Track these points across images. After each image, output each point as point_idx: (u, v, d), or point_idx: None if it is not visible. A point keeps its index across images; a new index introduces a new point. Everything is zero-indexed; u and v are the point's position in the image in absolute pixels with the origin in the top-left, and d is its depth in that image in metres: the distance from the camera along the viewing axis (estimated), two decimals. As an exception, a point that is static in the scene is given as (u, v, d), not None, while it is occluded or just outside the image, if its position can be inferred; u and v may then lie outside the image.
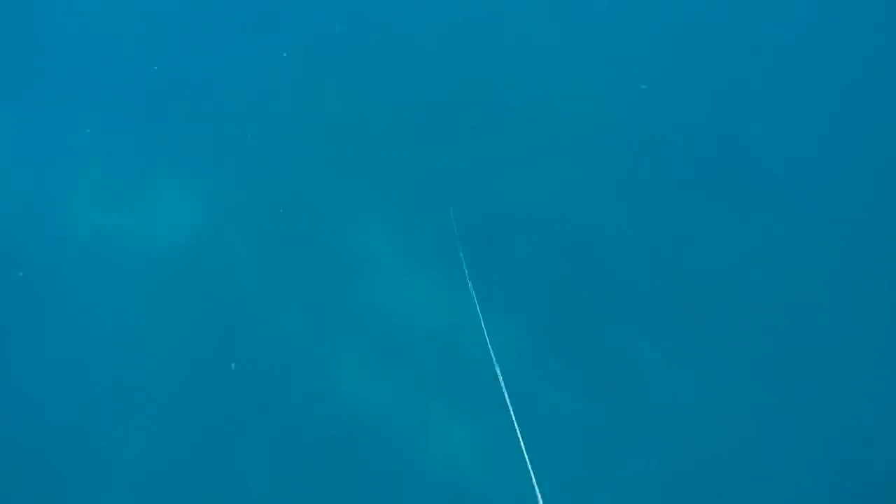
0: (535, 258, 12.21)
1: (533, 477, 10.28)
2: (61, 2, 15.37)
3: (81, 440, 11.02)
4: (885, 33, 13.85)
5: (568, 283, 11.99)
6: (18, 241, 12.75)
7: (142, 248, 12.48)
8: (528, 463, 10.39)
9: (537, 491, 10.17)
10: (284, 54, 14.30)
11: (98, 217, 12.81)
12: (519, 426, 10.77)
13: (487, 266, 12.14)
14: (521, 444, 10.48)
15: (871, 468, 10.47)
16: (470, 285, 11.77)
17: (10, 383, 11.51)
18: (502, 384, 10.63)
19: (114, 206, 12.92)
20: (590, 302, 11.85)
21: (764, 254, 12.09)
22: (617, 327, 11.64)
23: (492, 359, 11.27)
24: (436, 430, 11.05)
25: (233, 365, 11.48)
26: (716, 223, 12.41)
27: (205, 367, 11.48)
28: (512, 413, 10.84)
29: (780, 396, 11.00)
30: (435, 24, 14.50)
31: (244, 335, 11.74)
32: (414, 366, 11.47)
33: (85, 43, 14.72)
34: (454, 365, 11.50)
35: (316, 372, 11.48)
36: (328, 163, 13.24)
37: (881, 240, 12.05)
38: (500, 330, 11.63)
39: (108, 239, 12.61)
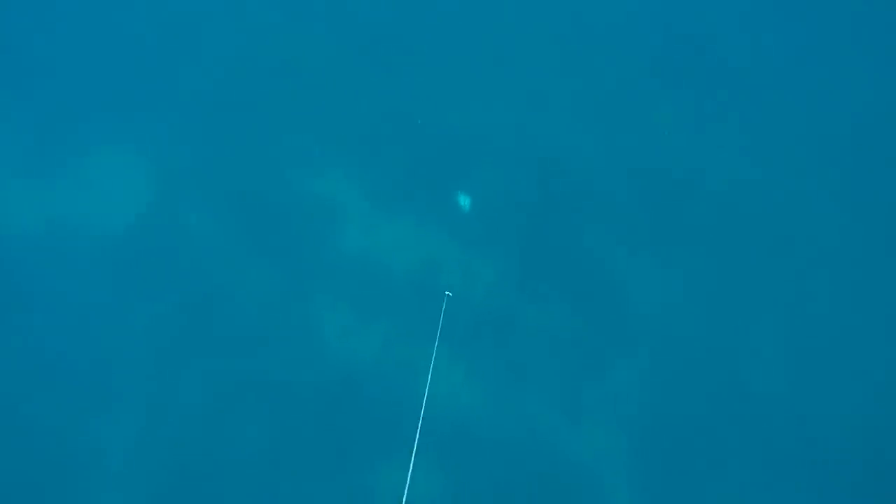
0: (504, 181, 11.94)
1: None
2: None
3: (75, 431, 10.51)
4: None
5: (541, 201, 11.78)
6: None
7: (94, 230, 11.39)
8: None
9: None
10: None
11: (39, 205, 11.39)
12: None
13: (462, 198, 11.81)
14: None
15: (852, 355, 10.86)
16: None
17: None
18: (443, 309, 10.54)
19: (54, 189, 11.53)
20: (563, 218, 11.75)
21: (733, 150, 12.02)
22: (593, 240, 11.66)
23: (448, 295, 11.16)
24: (428, 368, 10.94)
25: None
26: (684, 127, 12.20)
27: (188, 338, 11.04)
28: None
29: (759, 296, 11.38)
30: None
31: (222, 301, 11.25)
32: (397, 307, 11.40)
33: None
34: (438, 304, 11.28)
35: (301, 327, 11.27)
36: (279, 114, 12.39)
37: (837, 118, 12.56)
38: (479, 256, 11.47)
39: (57, 226, 11.41)
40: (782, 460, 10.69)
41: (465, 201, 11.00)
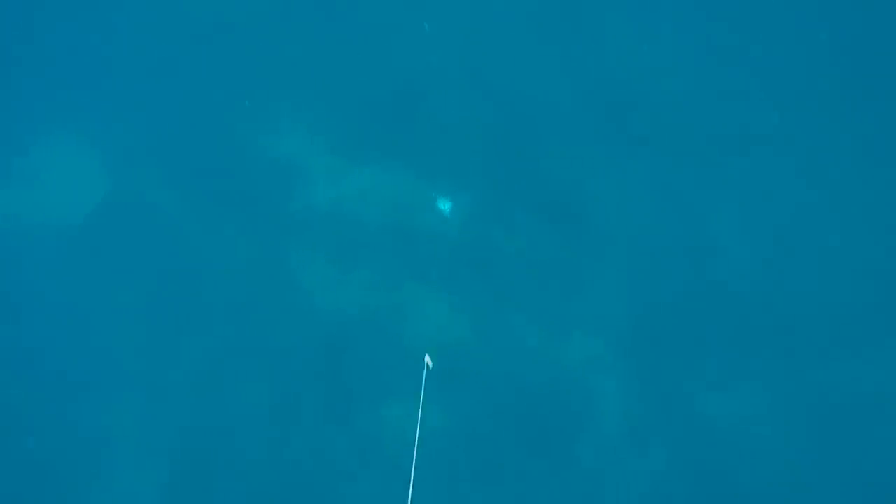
0: (461, 114, 11.96)
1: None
2: None
3: (74, 421, 10.48)
4: None
5: (500, 128, 11.86)
6: None
7: (54, 222, 11.11)
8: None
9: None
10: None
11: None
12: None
13: (423, 137, 11.85)
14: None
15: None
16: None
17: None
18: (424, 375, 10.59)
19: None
20: (525, 142, 11.83)
21: (688, 51, 12.23)
22: (560, 162, 11.77)
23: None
24: (415, 311, 11.22)
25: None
26: (635, 32, 12.37)
27: (172, 314, 10.96)
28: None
29: (723, 193, 11.67)
30: None
31: (200, 273, 11.20)
32: (375, 253, 11.43)
33: None
34: (414, 246, 11.50)
35: (284, 287, 11.28)
36: (225, 76, 12.05)
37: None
38: (448, 192, 11.59)
39: (14, 225, 11.03)
40: (757, 346, 11.12)
41: (445, 205, 10.86)
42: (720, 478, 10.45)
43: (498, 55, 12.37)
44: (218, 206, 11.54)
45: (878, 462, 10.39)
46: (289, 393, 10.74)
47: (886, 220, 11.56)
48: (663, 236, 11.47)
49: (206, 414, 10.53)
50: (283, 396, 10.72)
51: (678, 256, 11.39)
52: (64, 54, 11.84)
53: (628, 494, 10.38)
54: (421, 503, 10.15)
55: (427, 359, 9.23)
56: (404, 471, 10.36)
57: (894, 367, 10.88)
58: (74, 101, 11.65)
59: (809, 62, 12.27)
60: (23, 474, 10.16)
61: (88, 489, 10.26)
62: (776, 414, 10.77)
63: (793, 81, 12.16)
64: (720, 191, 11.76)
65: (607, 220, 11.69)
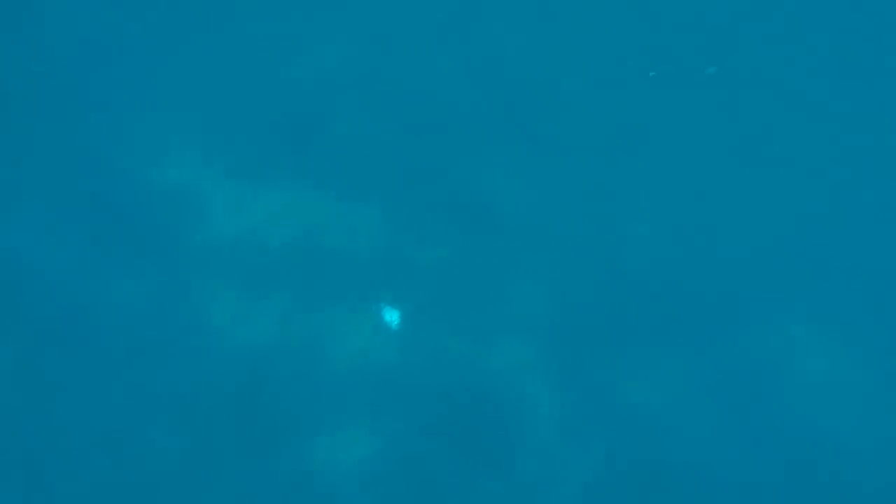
0: (363, 125, 11.70)
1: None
2: None
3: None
4: None
5: (404, 139, 11.70)
6: None
7: None
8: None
9: None
10: None
11: None
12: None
13: (323, 154, 11.55)
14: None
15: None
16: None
17: None
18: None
19: None
20: (433, 151, 11.75)
21: (586, 49, 12.36)
22: (467, 169, 11.77)
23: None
24: (335, 336, 10.93)
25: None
26: (521, 34, 12.40)
27: (65, 373, 10.21)
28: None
29: (632, 186, 11.84)
30: None
31: (93, 324, 10.46)
32: (284, 280, 11.02)
33: None
34: (327, 268, 11.18)
35: (191, 325, 10.75)
36: (110, 102, 11.43)
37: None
38: (355, 211, 11.32)
39: None
40: (673, 329, 11.37)
41: (391, 316, 10.66)
42: (657, 462, 10.57)
43: (396, 64, 12.16)
44: (110, 249, 10.82)
45: (802, 425, 10.77)
46: (207, 437, 10.12)
47: (780, 196, 12.02)
48: (575, 233, 11.55)
49: (117, 470, 9.85)
50: (201, 441, 10.10)
51: (591, 252, 11.50)
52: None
53: (572, 491, 10.37)
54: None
55: None
56: (341, 501, 10.05)
57: (806, 333, 11.33)
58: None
59: (702, 51, 12.64)
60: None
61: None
62: (700, 392, 11.00)
63: (691, 71, 12.50)
64: (625, 184, 11.95)
65: (519, 223, 11.60)
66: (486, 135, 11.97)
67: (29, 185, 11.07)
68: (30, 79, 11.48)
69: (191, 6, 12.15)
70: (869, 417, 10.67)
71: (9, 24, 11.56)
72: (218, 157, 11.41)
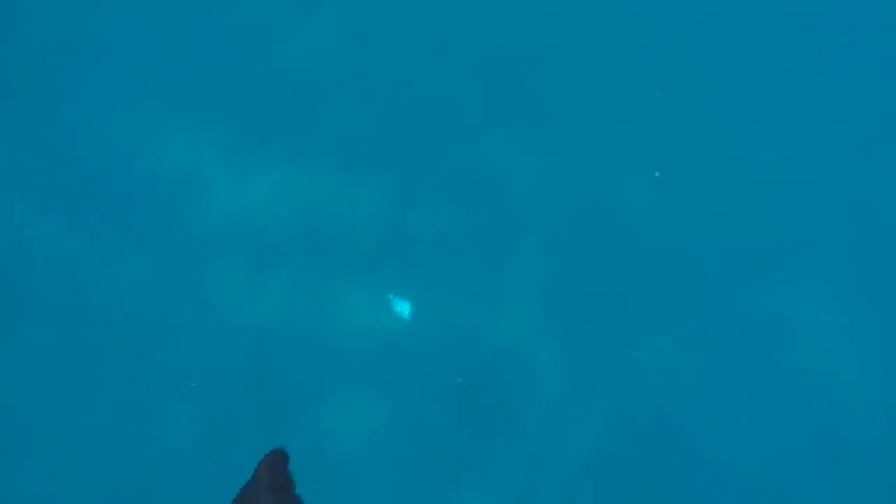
0: (360, 100, 11.70)
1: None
2: None
3: None
4: None
5: (400, 111, 11.69)
6: None
7: None
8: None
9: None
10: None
11: None
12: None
13: (322, 130, 11.49)
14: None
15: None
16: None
17: None
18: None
19: None
20: (432, 123, 11.69)
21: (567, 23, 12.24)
22: (463, 138, 11.73)
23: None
24: (341, 309, 10.97)
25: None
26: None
27: (86, 359, 10.23)
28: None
29: (632, 152, 11.78)
30: None
31: (105, 309, 10.43)
32: (291, 260, 11.04)
33: None
34: (331, 243, 11.22)
35: (201, 304, 10.74)
36: (105, 90, 11.39)
37: None
38: (357, 186, 11.31)
39: None
40: (675, 289, 11.40)
41: (402, 307, 10.48)
42: (663, 419, 10.73)
43: (395, 37, 12.22)
44: (113, 236, 10.90)
45: (797, 380, 10.94)
46: (221, 414, 10.25)
47: (776, 156, 12.14)
48: (577, 200, 11.65)
49: (136, 450, 9.99)
50: (216, 419, 10.23)
51: (592, 219, 11.62)
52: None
53: (581, 449, 10.56)
54: (377, 501, 10.06)
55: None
56: (353, 473, 10.21)
57: (803, 290, 11.47)
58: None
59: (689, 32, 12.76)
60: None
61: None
62: (703, 350, 11.15)
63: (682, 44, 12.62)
64: (624, 148, 12.05)
65: (521, 191, 11.64)
66: (484, 106, 12.07)
67: (25, 173, 11.13)
68: (18, 62, 11.50)
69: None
70: (869, 365, 10.84)
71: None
72: (215, 137, 11.49)
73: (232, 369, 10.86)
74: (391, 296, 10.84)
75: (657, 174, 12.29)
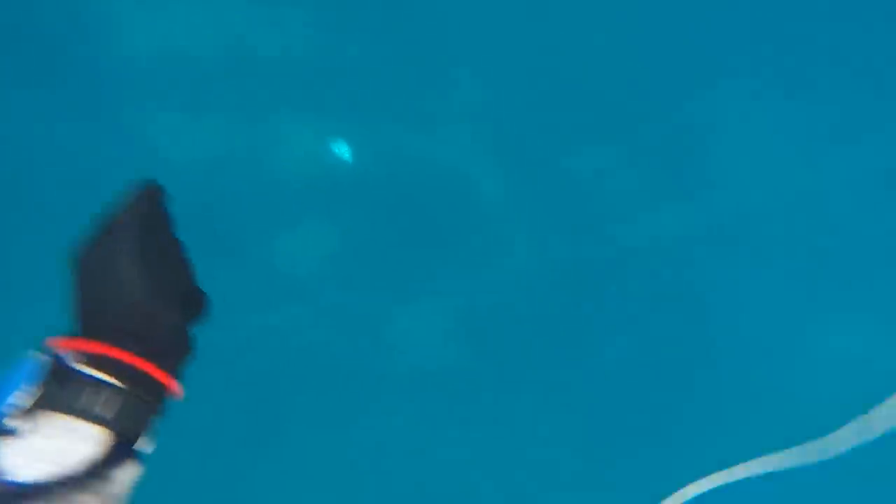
0: None
1: None
2: None
3: None
4: None
5: None
6: None
7: None
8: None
9: None
10: None
11: None
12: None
13: None
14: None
15: None
16: None
17: None
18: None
19: None
20: None
21: None
22: None
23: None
24: (279, 142, 10.99)
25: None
26: None
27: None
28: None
29: None
30: None
31: (32, 174, 9.57)
32: (225, 95, 10.88)
33: None
34: (265, 76, 10.94)
35: (128, 148, 10.28)
36: None
37: None
38: (288, 15, 10.94)
39: None
40: (607, 103, 11.05)
41: (342, 150, 10.06)
42: (592, 231, 11.19)
43: None
44: (46, 90, 10.47)
45: (729, 182, 11.30)
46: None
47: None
48: (512, 19, 11.49)
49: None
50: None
51: (531, 32, 11.48)
52: None
53: (522, 260, 11.06)
54: (329, 317, 10.58)
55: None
56: (304, 298, 10.64)
57: (736, 94, 11.63)
58: None
59: None
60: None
61: None
62: (633, 163, 11.42)
63: None
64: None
65: (446, 14, 11.51)
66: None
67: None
68: None
69: None
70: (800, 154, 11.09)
71: None
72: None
73: (175, 203, 10.75)
74: (330, 139, 10.84)
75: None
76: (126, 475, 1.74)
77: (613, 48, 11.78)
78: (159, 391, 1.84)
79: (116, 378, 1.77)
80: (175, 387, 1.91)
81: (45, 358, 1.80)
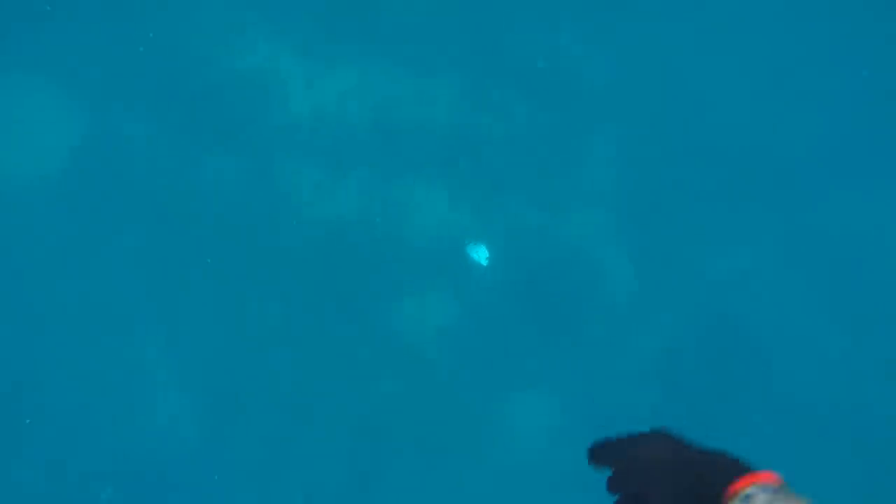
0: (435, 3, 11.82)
1: None
2: None
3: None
4: None
5: (476, 11, 11.44)
6: None
7: (33, 172, 9.86)
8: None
9: None
10: None
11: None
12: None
13: (394, 27, 11.35)
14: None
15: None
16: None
17: None
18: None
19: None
20: (503, 20, 11.43)
21: None
22: (534, 38, 11.54)
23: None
24: (414, 207, 11.12)
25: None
26: None
27: (179, 247, 10.19)
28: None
29: (706, 46, 11.32)
30: None
31: (189, 206, 10.42)
32: (366, 157, 11.16)
33: None
34: (405, 141, 11.22)
35: (276, 205, 10.88)
36: None
37: None
38: (430, 83, 11.26)
39: None
40: (752, 198, 11.01)
41: (480, 255, 10.27)
42: (729, 328, 10.70)
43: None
44: (195, 131, 11.12)
45: (878, 296, 10.67)
46: (299, 307, 10.57)
47: (852, 57, 11.46)
48: (648, 101, 11.34)
49: (223, 339, 10.36)
50: (295, 311, 10.55)
51: (667, 117, 11.30)
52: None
53: (646, 355, 10.65)
54: (443, 391, 10.41)
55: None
56: (421, 369, 10.53)
57: (887, 203, 11.06)
58: (37, 41, 11.08)
59: None
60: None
61: (121, 424, 10.30)
62: (777, 263, 10.93)
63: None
64: (703, 49, 11.60)
65: (593, 92, 11.46)
66: (557, 2, 11.74)
67: (108, 76, 11.29)
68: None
69: None
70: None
71: None
72: (291, 35, 11.52)
73: (305, 263, 11.15)
74: (468, 243, 10.80)
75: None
76: None
77: (766, 137, 11.37)
78: None
79: None
80: None
81: None
